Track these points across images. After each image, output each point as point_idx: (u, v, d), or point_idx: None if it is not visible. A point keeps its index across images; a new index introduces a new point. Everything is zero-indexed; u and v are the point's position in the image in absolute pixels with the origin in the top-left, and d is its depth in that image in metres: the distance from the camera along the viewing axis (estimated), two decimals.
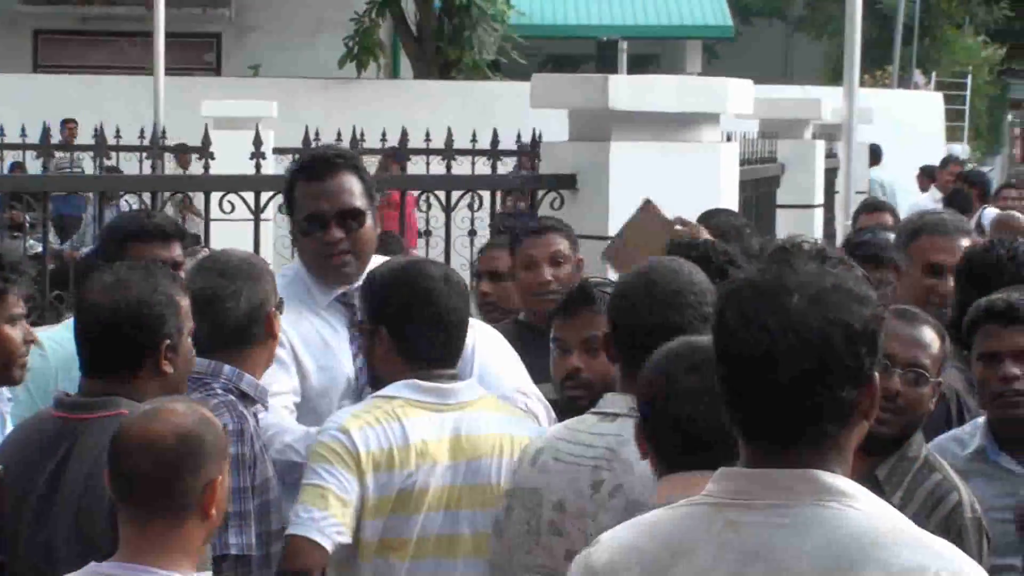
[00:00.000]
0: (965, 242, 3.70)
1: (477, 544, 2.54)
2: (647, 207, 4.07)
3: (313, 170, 3.01)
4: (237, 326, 2.60)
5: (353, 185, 2.98)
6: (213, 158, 5.03)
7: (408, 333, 2.60)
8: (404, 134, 5.54)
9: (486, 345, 2.94)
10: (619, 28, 18.92)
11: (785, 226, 7.35)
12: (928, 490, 2.48)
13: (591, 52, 18.12)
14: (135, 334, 2.36)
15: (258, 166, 4.67)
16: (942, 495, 2.50)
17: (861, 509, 1.51)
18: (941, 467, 2.57)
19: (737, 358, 1.51)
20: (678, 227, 3.69)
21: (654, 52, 21.63)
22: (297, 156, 3.79)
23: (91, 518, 2.25)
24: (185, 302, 2.43)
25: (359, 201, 2.99)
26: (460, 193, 4.98)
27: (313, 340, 2.86)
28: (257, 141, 4.76)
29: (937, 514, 2.45)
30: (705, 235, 3.57)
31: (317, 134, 7.25)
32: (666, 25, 20.62)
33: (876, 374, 1.55)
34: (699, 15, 20.70)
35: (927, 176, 12.45)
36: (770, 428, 1.52)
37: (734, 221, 4.60)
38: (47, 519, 2.32)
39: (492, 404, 2.66)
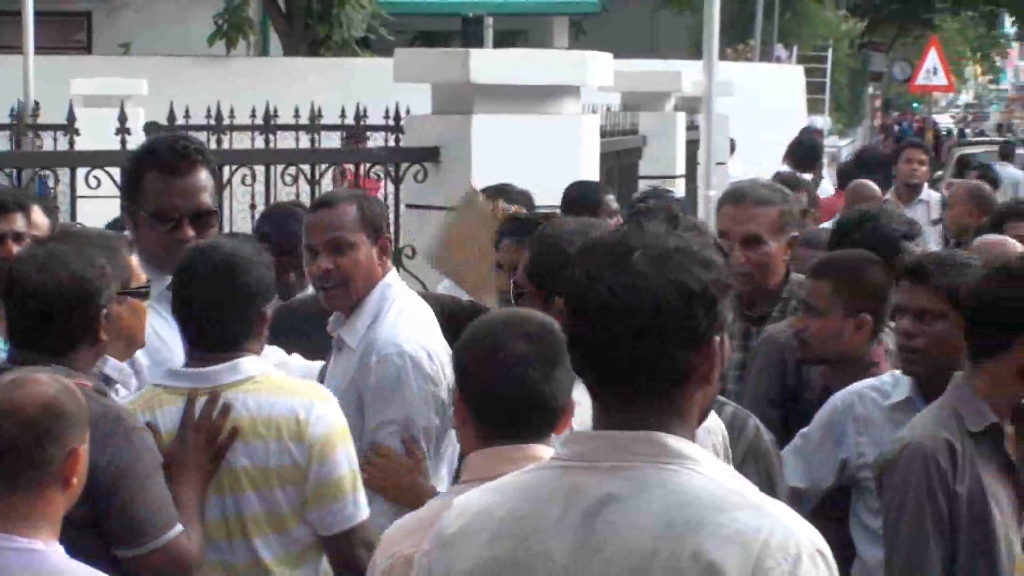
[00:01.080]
0: (762, 211, 3.61)
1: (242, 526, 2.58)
2: (471, 199, 4.13)
3: (169, 162, 2.92)
4: None
5: (207, 183, 2.95)
6: (78, 134, 5.04)
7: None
8: (272, 110, 5.64)
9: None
10: (485, 4, 19.11)
11: None
12: (727, 421, 2.59)
13: (459, 28, 18.26)
14: (77, 311, 2.41)
15: (124, 142, 4.71)
16: (741, 424, 2.66)
17: (702, 473, 1.52)
18: (727, 401, 2.73)
19: (581, 312, 1.54)
20: (503, 211, 3.80)
21: (521, 28, 21.84)
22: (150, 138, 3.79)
23: None
24: (109, 268, 2.47)
25: (211, 200, 2.99)
26: (326, 167, 5.10)
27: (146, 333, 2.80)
28: (122, 117, 4.78)
29: (742, 442, 2.61)
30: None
31: (187, 112, 7.25)
32: (532, 1, 20.92)
33: (717, 339, 1.56)
34: None
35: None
36: (609, 385, 1.55)
37: (593, 193, 4.83)
38: None
39: (266, 386, 2.62)
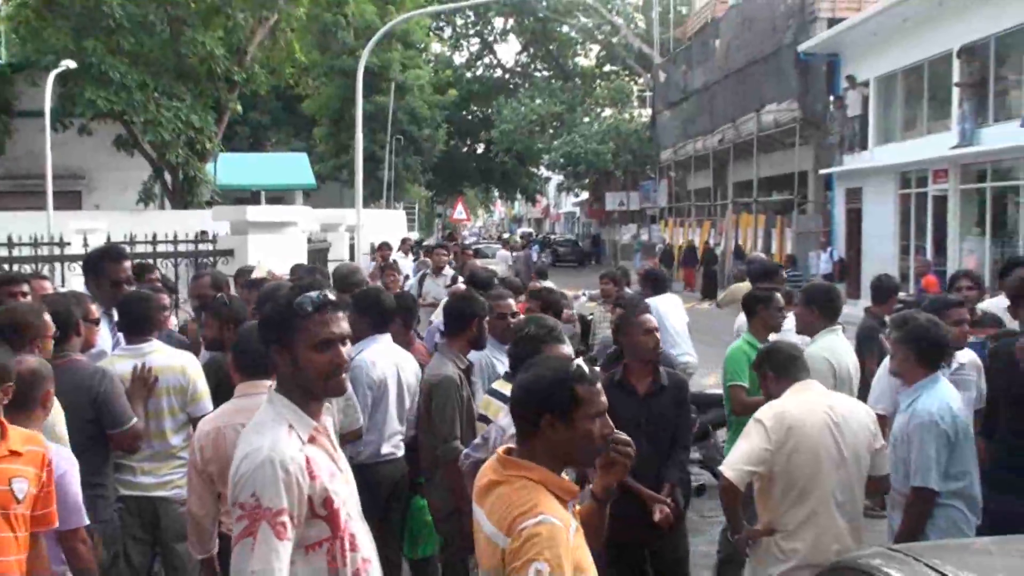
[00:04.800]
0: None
1: None
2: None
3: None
4: None
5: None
6: None
7: None
8: (170, 235, 11.50)
9: None
10: (262, 186, 29.58)
11: None
12: None
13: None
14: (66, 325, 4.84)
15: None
16: None
17: (268, 406, 3.02)
18: None
19: None
20: None
21: (280, 195, 31.18)
22: None
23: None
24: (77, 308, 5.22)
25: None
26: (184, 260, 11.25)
27: None
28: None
29: None
30: None
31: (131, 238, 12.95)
32: (285, 184, 32.56)
33: (295, 349, 2.98)
34: None
35: None
36: None
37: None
38: None
39: (162, 353, 5.23)
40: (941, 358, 5.12)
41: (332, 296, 3.05)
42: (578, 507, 3.05)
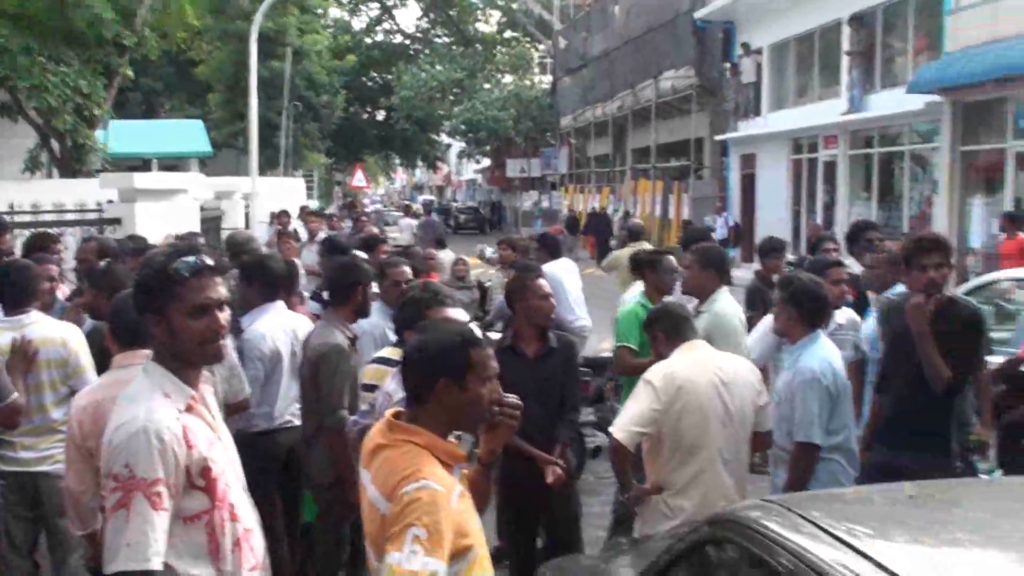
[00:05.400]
0: None
1: None
2: None
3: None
4: None
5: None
6: None
7: None
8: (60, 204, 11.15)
9: None
10: (155, 154, 27.00)
11: None
12: None
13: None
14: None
15: None
16: None
17: (144, 375, 2.96)
18: None
19: None
20: None
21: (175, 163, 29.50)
22: None
23: None
24: None
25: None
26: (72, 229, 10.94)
27: None
28: None
29: None
30: None
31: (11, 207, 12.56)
32: (180, 152, 30.59)
33: (170, 315, 2.95)
34: None
35: None
36: None
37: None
38: None
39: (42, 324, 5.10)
40: (823, 317, 5.26)
41: (209, 261, 2.98)
42: (466, 471, 3.06)
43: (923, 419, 5.28)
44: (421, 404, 2.94)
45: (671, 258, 6.87)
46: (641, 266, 6.76)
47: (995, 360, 6.92)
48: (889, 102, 19.63)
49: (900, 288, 6.47)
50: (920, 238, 5.48)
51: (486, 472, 3.19)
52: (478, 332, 3.01)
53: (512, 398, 3.08)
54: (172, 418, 2.85)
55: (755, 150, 26.41)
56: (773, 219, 24.40)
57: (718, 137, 27.85)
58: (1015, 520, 2.72)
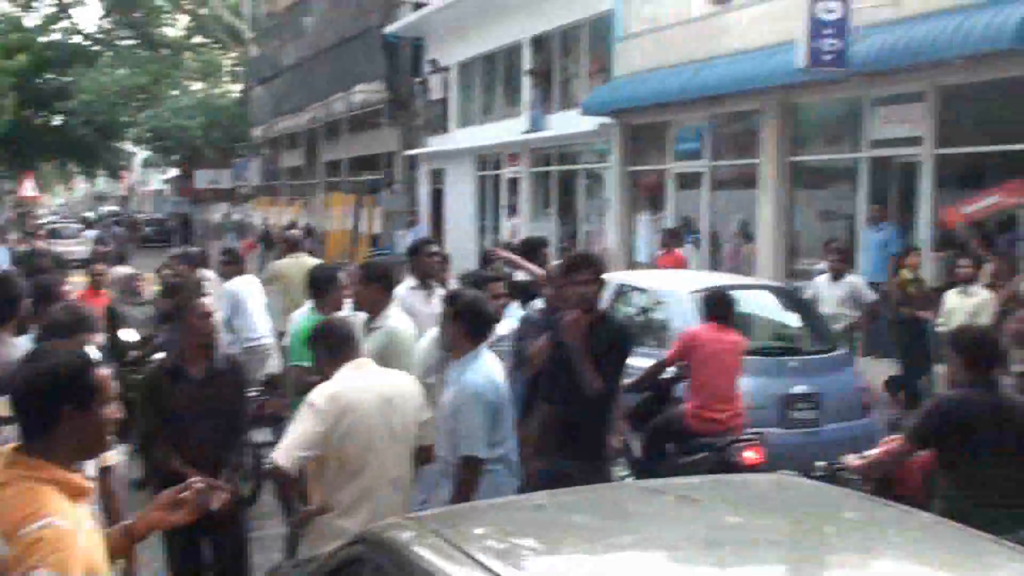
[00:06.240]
0: None
1: None
2: None
3: None
4: None
5: None
6: None
7: None
8: None
9: None
10: None
11: None
12: None
13: None
14: None
15: None
16: None
17: None
18: None
19: None
20: None
21: None
22: None
23: None
24: None
25: None
26: None
27: None
28: None
29: None
30: None
31: None
32: None
33: None
34: None
35: None
36: None
37: None
38: None
39: None
40: (487, 331, 5.46)
41: None
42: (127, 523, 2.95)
43: (581, 427, 5.61)
44: (42, 436, 2.79)
45: (343, 274, 6.90)
46: (321, 283, 6.73)
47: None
48: (566, 123, 20.65)
49: (540, 303, 6.86)
50: (572, 256, 5.83)
51: (132, 544, 3.09)
52: (94, 353, 2.90)
53: (200, 482, 3.01)
54: None
55: (444, 165, 27.00)
56: (462, 233, 25.03)
57: (408, 152, 28.23)
58: (637, 522, 2.94)
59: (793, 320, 9.63)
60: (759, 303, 9.52)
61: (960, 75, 12.27)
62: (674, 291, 9.05)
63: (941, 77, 12.52)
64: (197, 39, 50.60)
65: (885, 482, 5.49)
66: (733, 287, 8.61)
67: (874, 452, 5.44)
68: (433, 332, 6.06)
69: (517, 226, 20.66)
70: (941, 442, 4.95)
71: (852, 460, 5.52)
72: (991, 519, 4.09)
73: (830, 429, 8.19)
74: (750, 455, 7.14)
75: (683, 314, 8.52)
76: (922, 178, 13.14)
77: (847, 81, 13.48)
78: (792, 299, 10.20)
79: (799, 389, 8.25)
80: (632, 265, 17.89)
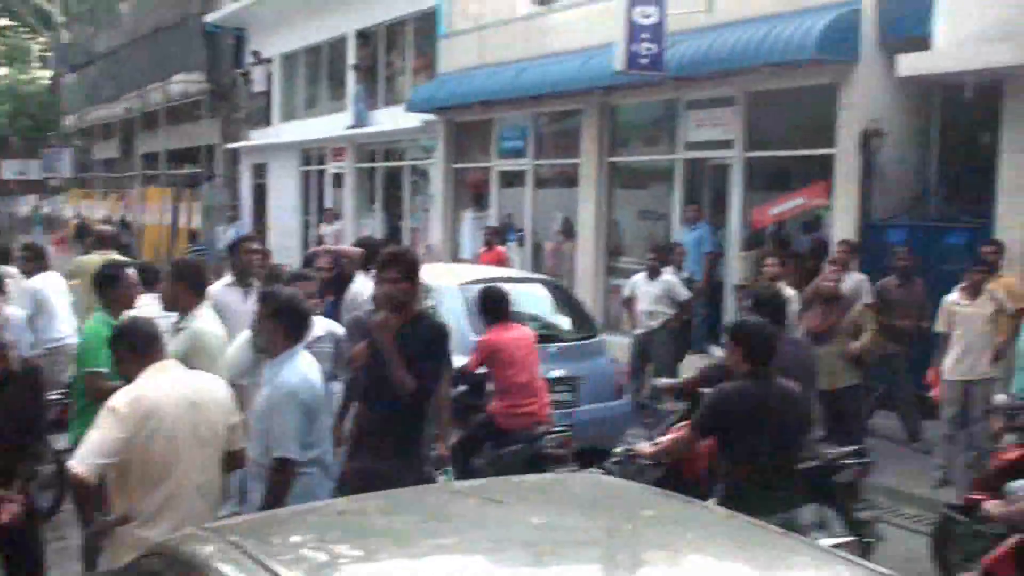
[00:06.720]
0: None
1: None
2: None
3: None
4: None
5: None
6: None
7: None
8: None
9: None
10: None
11: None
12: None
13: None
14: None
15: None
16: None
17: None
18: None
19: None
20: None
21: None
22: None
23: None
24: None
25: None
26: None
27: None
28: None
29: None
30: None
31: None
32: None
33: None
34: None
35: None
36: None
37: None
38: None
39: None
40: (304, 331, 5.35)
41: None
42: None
43: (395, 428, 5.55)
44: None
45: (133, 271, 6.63)
46: (106, 280, 6.38)
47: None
48: (392, 118, 20.52)
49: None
50: (382, 254, 5.77)
51: None
52: None
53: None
54: None
55: (266, 160, 26.43)
56: (285, 228, 24.55)
57: (229, 145, 27.51)
58: (446, 525, 2.94)
59: (557, 310, 10.35)
60: (528, 295, 10.05)
61: (768, 81, 12.79)
62: (443, 284, 9.34)
63: (750, 83, 13.02)
64: (3, 21, 47.90)
65: (674, 466, 6.00)
66: (505, 280, 9.22)
67: (664, 440, 5.97)
68: (247, 333, 5.90)
69: (339, 232, 20.37)
70: (720, 431, 5.36)
71: (645, 447, 6.13)
72: (764, 499, 4.86)
73: (586, 409, 9.02)
74: (560, 450, 7.62)
75: (453, 307, 8.94)
76: (733, 180, 13.64)
77: (663, 84, 13.85)
78: (559, 291, 10.97)
79: (558, 373, 8.88)
80: (456, 262, 17.94)
